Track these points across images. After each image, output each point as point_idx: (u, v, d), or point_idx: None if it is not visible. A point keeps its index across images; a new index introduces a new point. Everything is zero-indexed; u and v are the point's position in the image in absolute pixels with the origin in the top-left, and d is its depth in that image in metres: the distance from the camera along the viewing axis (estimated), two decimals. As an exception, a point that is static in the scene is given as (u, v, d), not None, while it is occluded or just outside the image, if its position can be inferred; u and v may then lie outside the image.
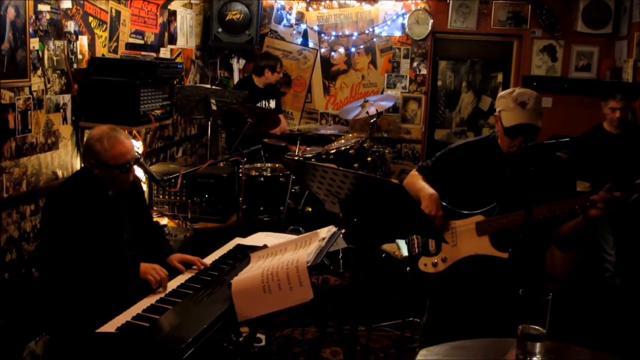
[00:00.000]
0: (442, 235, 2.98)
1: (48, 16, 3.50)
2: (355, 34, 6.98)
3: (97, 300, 2.73)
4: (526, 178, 2.82)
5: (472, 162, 3.15)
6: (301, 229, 5.23)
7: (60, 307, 2.87)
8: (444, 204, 3.14)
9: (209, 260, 3.11)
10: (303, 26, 7.05)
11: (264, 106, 6.28)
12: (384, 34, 6.96)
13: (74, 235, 2.77)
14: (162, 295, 2.66)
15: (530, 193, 2.73)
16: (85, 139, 3.02)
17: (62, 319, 2.86)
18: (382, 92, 7.01)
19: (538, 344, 1.95)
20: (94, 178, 2.91)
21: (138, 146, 4.44)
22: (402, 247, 4.11)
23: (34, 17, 3.37)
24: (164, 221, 4.19)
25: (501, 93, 3.08)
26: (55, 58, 3.60)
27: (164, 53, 5.33)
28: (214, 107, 5.15)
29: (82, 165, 3.08)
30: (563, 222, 2.86)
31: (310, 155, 5.56)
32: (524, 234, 2.78)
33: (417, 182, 3.27)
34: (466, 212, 3.09)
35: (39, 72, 3.47)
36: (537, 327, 1.95)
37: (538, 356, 1.95)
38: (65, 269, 2.79)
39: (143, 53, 4.59)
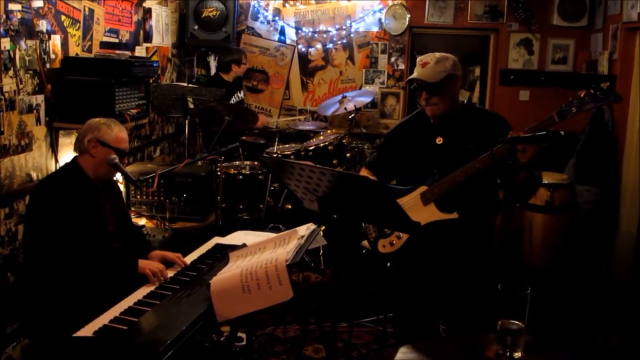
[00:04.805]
0: (419, 230, 2.99)
1: (19, 15, 3.44)
2: (333, 29, 6.96)
3: (87, 292, 2.78)
4: (460, 145, 3.06)
5: (407, 139, 3.31)
6: (281, 226, 5.21)
7: (46, 306, 2.90)
8: (391, 186, 3.30)
9: (187, 260, 3.09)
10: (280, 22, 7.02)
11: (236, 99, 6.26)
12: (361, 29, 6.96)
13: (63, 224, 2.84)
14: (141, 297, 2.63)
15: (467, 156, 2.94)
16: (86, 124, 3.14)
17: (48, 319, 2.88)
18: (360, 88, 7.01)
19: (518, 338, 1.96)
20: (81, 172, 3.05)
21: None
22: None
23: (4, 16, 3.31)
24: (142, 221, 4.15)
25: None
26: (27, 58, 3.54)
27: (140, 51, 5.27)
28: (191, 106, 5.10)
29: (75, 151, 3.14)
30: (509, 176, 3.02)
31: (289, 152, 5.54)
32: (469, 189, 3.00)
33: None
34: (410, 187, 3.19)
35: (11, 72, 3.40)
36: (516, 322, 1.95)
37: (518, 351, 1.96)
38: (55, 257, 2.83)
39: (118, 52, 4.54)
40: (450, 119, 3.16)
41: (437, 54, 3.16)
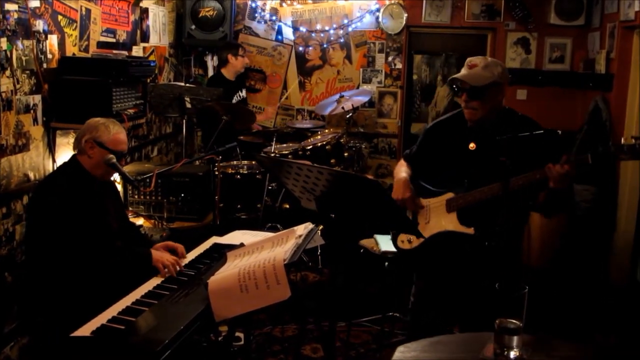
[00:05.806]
0: (416, 229, 2.99)
1: (16, 15, 3.43)
2: (330, 29, 6.96)
3: (89, 291, 2.79)
4: (491, 153, 2.86)
5: (443, 138, 3.25)
6: (279, 226, 5.21)
7: (47, 305, 2.90)
8: (422, 183, 3.24)
9: (185, 260, 3.09)
10: (277, 22, 7.01)
11: (238, 98, 6.25)
12: (358, 28, 6.95)
13: (65, 222, 2.84)
14: (139, 296, 2.63)
15: (498, 167, 2.72)
16: (85, 124, 3.15)
17: (49, 319, 2.88)
18: (357, 87, 6.99)
19: (515, 338, 1.96)
20: (82, 170, 3.05)
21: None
22: (380, 242, 4.11)
23: (0, 16, 3.30)
24: (139, 221, 4.15)
25: None
26: (24, 58, 3.54)
27: (137, 51, 5.26)
28: (188, 105, 5.10)
29: (74, 150, 3.15)
30: (535, 193, 2.90)
31: (286, 152, 5.53)
32: (492, 208, 2.87)
33: (395, 169, 3.40)
34: (440, 189, 3.17)
35: (8, 72, 3.40)
36: (514, 321, 1.95)
37: (515, 350, 1.96)
38: (57, 256, 2.84)
39: (115, 51, 4.54)
40: (487, 125, 3.04)
41: (489, 59, 3.04)
